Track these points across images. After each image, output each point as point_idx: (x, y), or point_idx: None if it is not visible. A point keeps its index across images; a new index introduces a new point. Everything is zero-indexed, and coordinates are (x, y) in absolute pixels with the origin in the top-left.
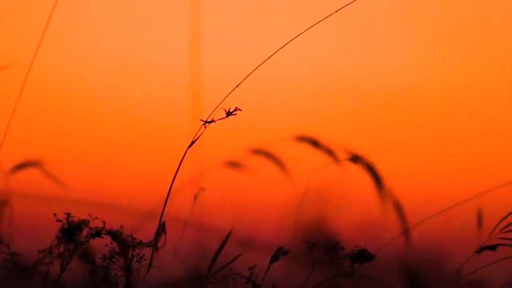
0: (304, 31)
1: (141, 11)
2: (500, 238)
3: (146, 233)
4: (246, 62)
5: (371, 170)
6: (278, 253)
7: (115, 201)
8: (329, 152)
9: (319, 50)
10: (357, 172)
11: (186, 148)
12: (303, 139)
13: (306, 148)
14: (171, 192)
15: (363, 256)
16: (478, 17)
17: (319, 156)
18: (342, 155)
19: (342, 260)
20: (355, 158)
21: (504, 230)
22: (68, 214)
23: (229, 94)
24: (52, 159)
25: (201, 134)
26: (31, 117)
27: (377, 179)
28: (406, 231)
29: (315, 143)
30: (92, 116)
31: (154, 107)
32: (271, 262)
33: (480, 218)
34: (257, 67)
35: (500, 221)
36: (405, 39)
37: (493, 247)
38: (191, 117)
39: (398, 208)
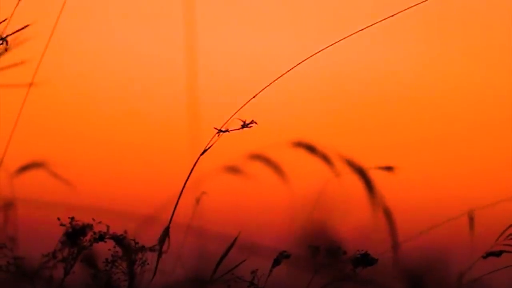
0: (319, 51)
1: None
2: (505, 244)
3: (148, 238)
4: (243, 63)
5: (363, 175)
6: (280, 257)
7: (117, 205)
8: (325, 159)
9: (318, 56)
10: (351, 178)
11: (195, 154)
12: (300, 145)
13: (303, 154)
14: (172, 197)
15: (365, 260)
16: (476, 17)
17: (317, 162)
18: (337, 162)
19: (344, 264)
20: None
21: (509, 237)
22: (72, 218)
23: (243, 106)
24: (56, 161)
25: (214, 142)
26: (34, 119)
27: (369, 185)
28: (394, 241)
29: (311, 149)
30: (96, 119)
31: (158, 111)
32: (273, 266)
33: (471, 220)
34: (273, 81)
35: (507, 228)
36: (402, 42)
37: (497, 253)
38: (194, 122)
39: (388, 216)
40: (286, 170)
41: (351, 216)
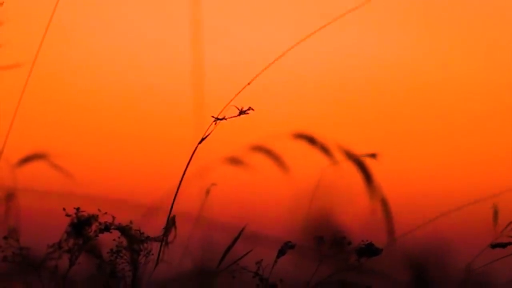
0: (311, 34)
1: (141, 9)
2: (510, 236)
3: (153, 228)
4: (249, 55)
5: (361, 166)
6: (285, 247)
7: (121, 195)
8: (324, 149)
9: (318, 48)
10: (350, 169)
11: (194, 143)
12: (301, 136)
13: (304, 145)
14: (176, 187)
15: (370, 250)
16: (479, 13)
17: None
18: (337, 153)
19: (349, 254)
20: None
21: None
22: (78, 209)
23: (239, 92)
24: (60, 152)
25: (212, 130)
26: (36, 110)
27: (367, 176)
28: (390, 230)
29: (311, 140)
30: (100, 109)
31: (161, 101)
32: (278, 256)
33: (496, 213)
34: (267, 67)
35: None
36: (403, 36)
37: (503, 245)
38: (196, 111)
39: (385, 207)
40: (288, 161)
41: (356, 205)
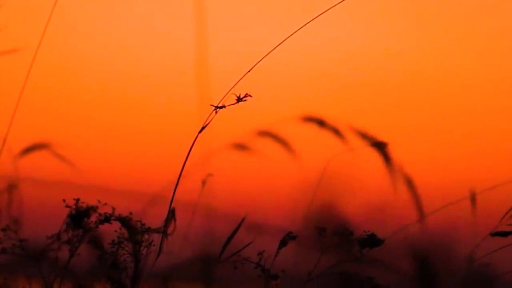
0: (313, 19)
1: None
2: (509, 224)
3: (155, 218)
4: (252, 46)
5: (379, 146)
6: (287, 238)
7: (123, 185)
8: (336, 132)
9: (325, 34)
10: (365, 151)
11: (197, 133)
12: (310, 119)
13: (313, 128)
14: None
15: (372, 240)
16: (474, 3)
17: (326, 137)
18: (348, 134)
19: (351, 244)
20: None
21: None
22: (77, 200)
23: (239, 81)
24: (60, 142)
25: (211, 119)
26: (39, 100)
27: (385, 156)
28: (419, 208)
29: (321, 123)
30: (102, 100)
31: (163, 91)
32: (280, 247)
33: (473, 199)
34: (266, 55)
35: (511, 209)
36: (409, 22)
37: (504, 234)
38: (199, 101)
39: (410, 183)
40: (295, 146)
41: (360, 196)
